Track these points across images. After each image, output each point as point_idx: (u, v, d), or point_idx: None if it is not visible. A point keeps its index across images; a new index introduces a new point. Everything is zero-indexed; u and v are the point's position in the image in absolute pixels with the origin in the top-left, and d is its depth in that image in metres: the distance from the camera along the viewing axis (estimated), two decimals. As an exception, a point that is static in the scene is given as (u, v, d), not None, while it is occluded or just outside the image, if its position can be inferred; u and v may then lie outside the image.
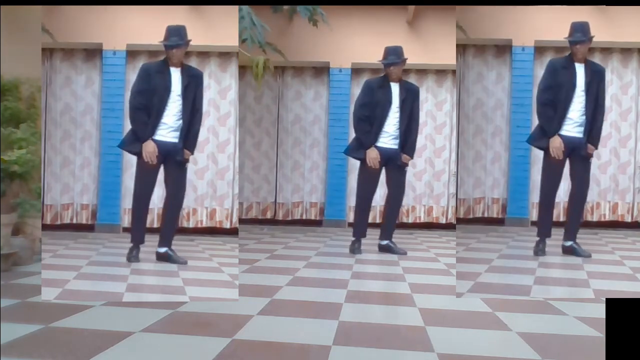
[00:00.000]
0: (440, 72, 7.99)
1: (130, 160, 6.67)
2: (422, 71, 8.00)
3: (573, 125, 4.99)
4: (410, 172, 8.05)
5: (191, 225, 7.24)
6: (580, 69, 5.00)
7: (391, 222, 5.83)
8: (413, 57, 7.94)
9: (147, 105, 4.77)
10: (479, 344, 2.89)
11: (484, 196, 7.59)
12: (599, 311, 3.38)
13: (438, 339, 2.87)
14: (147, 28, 7.12)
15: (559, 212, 7.45)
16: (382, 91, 5.59)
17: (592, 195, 7.48)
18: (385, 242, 5.81)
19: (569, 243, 5.17)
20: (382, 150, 5.60)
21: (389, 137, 5.61)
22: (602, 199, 7.47)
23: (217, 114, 7.34)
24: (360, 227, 5.78)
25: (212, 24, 7.14)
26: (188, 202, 7.27)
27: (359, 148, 5.63)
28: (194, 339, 2.83)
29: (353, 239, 5.81)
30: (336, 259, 5.50)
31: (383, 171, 5.78)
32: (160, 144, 4.82)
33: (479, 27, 7.30)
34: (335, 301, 3.66)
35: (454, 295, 3.83)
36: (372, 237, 6.98)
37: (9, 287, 4.00)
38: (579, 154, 5.03)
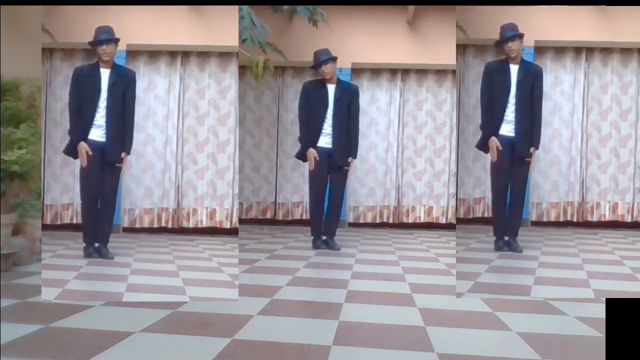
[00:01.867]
0: (440, 72, 7.99)
1: (130, 161, 6.66)
2: (422, 71, 8.00)
3: (509, 125, 5.09)
4: (410, 172, 8.07)
5: (191, 225, 7.24)
6: (514, 70, 5.07)
7: (333, 219, 5.99)
8: (413, 57, 7.96)
9: (80, 107, 4.94)
10: (479, 344, 2.89)
11: (484, 196, 7.58)
12: (599, 311, 3.38)
13: (438, 339, 2.87)
14: (147, 28, 7.12)
15: (559, 212, 7.46)
16: (318, 93, 5.82)
17: (592, 195, 7.49)
18: (324, 238, 5.96)
19: (506, 238, 5.25)
20: (322, 150, 5.78)
21: (328, 137, 5.80)
22: (602, 199, 7.47)
23: (217, 114, 7.33)
24: (316, 226, 5.96)
25: (212, 24, 7.13)
26: (188, 202, 7.28)
27: (302, 151, 5.87)
28: (194, 339, 2.83)
29: (312, 237, 6.00)
30: (336, 259, 5.50)
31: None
32: (94, 144, 4.93)
33: (479, 27, 7.29)
34: (335, 301, 3.66)
35: (454, 295, 3.83)
36: (374, 239, 6.98)
37: (9, 287, 4.00)
38: (516, 153, 5.14)
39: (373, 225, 7.93)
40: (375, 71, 7.94)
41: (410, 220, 8.00)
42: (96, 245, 5.08)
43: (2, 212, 4.90)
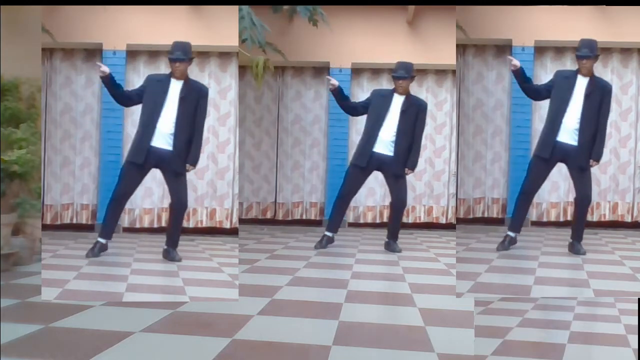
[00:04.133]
0: (440, 72, 7.98)
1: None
2: (422, 71, 7.98)
3: (566, 132, 5.05)
4: (410, 172, 8.06)
5: (191, 225, 7.23)
6: (582, 81, 5.06)
7: (396, 224, 6.03)
8: (413, 57, 7.94)
9: (145, 112, 4.99)
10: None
11: (484, 196, 7.59)
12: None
13: (438, 339, 2.87)
14: (147, 28, 7.12)
15: (559, 212, 7.46)
16: (383, 100, 5.83)
17: (592, 196, 7.47)
18: (387, 240, 6.02)
19: (572, 241, 5.27)
20: (376, 156, 5.78)
21: (383, 144, 5.78)
22: (602, 199, 7.46)
23: (217, 114, 7.33)
24: (336, 223, 6.01)
25: (212, 24, 7.13)
26: (188, 202, 7.26)
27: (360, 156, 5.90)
28: (194, 339, 2.83)
29: (325, 233, 6.00)
30: (336, 259, 5.50)
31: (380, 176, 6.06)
32: (153, 150, 4.92)
33: (479, 27, 7.29)
34: (335, 301, 3.66)
35: (454, 295, 3.83)
36: (374, 239, 6.98)
37: (9, 287, 4.01)
38: (575, 162, 5.12)
39: (373, 225, 7.93)
40: (375, 71, 7.93)
41: (410, 221, 7.99)
42: (166, 247, 5.08)
43: (2, 212, 4.91)
